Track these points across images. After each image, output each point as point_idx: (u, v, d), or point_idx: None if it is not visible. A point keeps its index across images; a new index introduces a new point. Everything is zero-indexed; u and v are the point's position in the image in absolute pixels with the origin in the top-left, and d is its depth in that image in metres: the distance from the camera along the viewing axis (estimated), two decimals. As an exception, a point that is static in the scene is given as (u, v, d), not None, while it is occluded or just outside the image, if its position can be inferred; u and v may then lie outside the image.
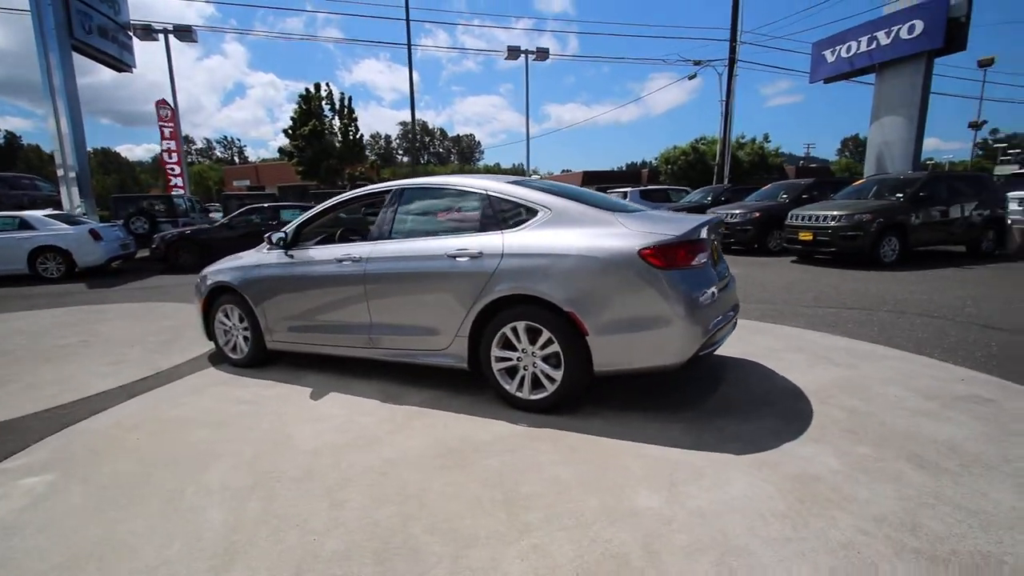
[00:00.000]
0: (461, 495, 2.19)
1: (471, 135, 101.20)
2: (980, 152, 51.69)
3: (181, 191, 18.43)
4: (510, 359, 3.04)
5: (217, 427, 2.99)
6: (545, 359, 2.94)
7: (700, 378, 3.50)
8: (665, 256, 2.68)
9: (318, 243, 4.10)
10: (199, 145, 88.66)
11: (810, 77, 23.90)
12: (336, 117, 29.58)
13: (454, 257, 3.10)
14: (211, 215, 20.16)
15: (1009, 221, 9.56)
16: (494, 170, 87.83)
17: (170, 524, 2.06)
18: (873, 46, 20.14)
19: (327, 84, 29.09)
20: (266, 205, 11.87)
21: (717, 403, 3.09)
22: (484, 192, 3.24)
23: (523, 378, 3.02)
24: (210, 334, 4.36)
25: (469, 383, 3.48)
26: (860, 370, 3.61)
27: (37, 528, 2.06)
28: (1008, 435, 2.60)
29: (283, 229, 3.95)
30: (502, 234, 3.04)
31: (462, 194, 3.40)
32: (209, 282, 4.23)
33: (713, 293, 2.82)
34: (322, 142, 28.45)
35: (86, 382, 3.84)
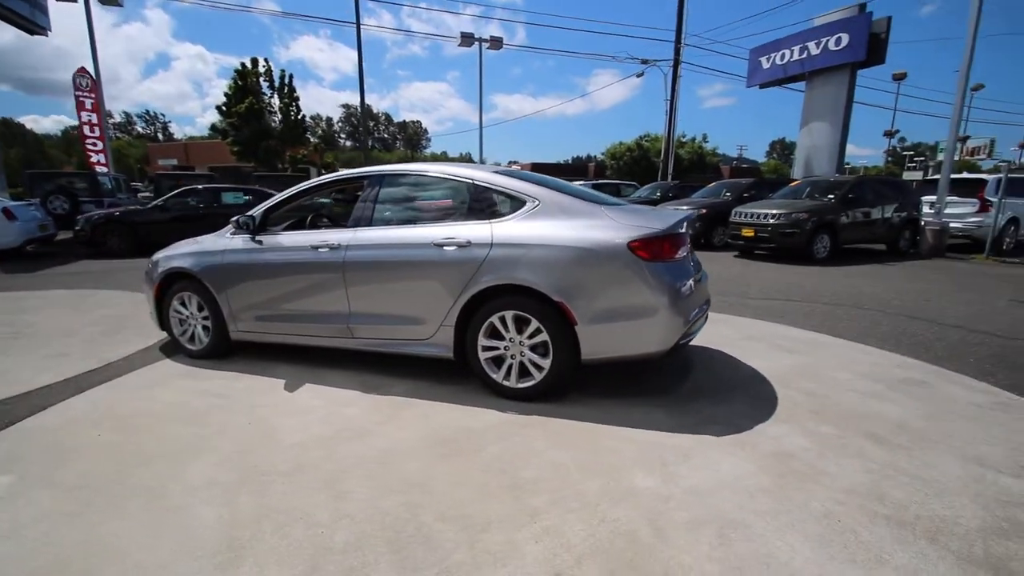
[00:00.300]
0: (466, 482, 2.21)
1: (417, 122, 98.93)
2: (890, 159, 56.51)
3: (104, 169, 16.86)
4: (497, 348, 3.07)
5: (189, 422, 2.83)
6: (532, 348, 3.00)
7: (672, 365, 3.68)
8: (651, 249, 2.79)
9: (287, 229, 3.94)
10: (117, 119, 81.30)
11: (747, 81, 25.29)
12: (275, 95, 28.01)
13: (441, 246, 3.08)
14: (140, 195, 18.61)
15: (923, 223, 10.58)
16: (441, 158, 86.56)
17: (158, 523, 1.95)
18: (804, 55, 21.53)
19: (265, 60, 27.43)
20: (204, 187, 11.10)
21: (691, 388, 3.27)
22: (470, 181, 3.23)
23: (510, 367, 3.06)
24: (163, 324, 4.08)
25: (450, 372, 3.48)
26: (812, 357, 3.93)
27: (3, 534, 1.89)
28: (945, 413, 2.93)
29: (249, 213, 3.75)
30: (489, 223, 3.05)
31: (446, 182, 3.37)
32: (163, 268, 3.95)
33: (691, 285, 2.97)
34: (260, 122, 26.89)
35: (24, 376, 3.50)
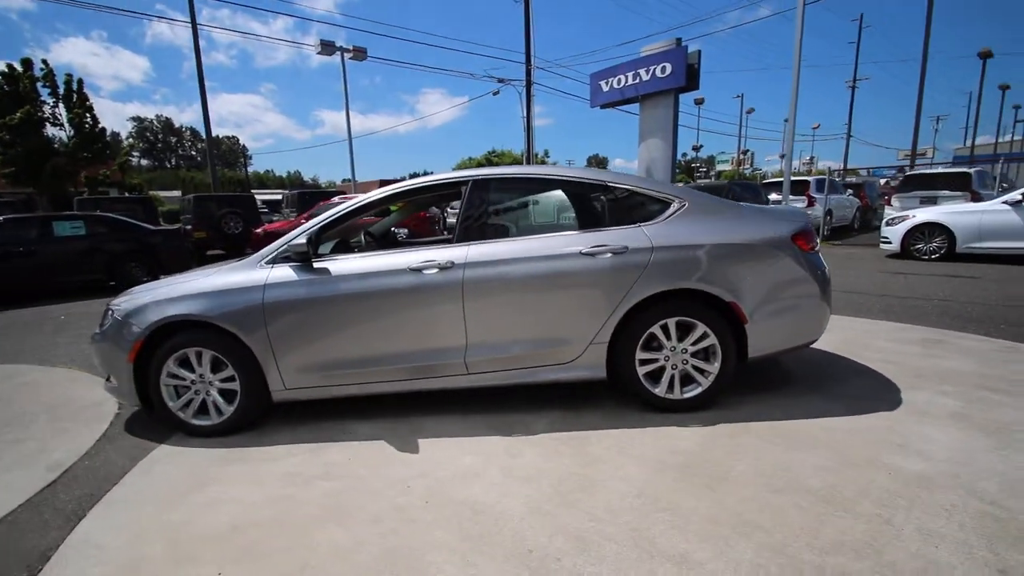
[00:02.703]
0: (769, 505, 1.96)
1: (233, 137, 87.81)
2: (678, 170, 67.39)
3: None
4: (655, 360, 2.83)
5: (333, 520, 2.03)
6: (695, 354, 2.83)
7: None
8: (807, 240, 2.86)
9: (336, 252, 3.13)
10: None
11: (590, 102, 27.93)
12: (60, 104, 22.35)
13: (591, 255, 2.74)
14: None
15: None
16: (267, 177, 78.46)
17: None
18: (637, 80, 24.51)
19: (44, 62, 21.74)
20: (25, 216, 8.32)
21: (786, 376, 3.42)
22: (602, 183, 2.93)
23: (671, 378, 2.84)
24: (146, 397, 2.92)
25: (576, 395, 3.11)
26: (852, 332, 4.41)
27: None
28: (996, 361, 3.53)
29: (293, 237, 2.88)
30: (641, 227, 2.81)
31: (569, 185, 3.01)
32: (150, 319, 2.82)
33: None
34: (41, 136, 21.20)
35: (-49, 515, 2.16)
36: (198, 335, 2.84)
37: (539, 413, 2.95)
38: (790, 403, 2.92)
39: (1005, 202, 8.07)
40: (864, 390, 3.08)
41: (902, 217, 9.26)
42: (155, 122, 78.55)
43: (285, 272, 2.83)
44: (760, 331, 2.80)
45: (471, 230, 2.86)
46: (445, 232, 14.72)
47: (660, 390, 2.84)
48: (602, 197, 2.97)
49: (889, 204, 12.86)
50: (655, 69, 24.48)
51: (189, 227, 11.92)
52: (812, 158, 54.11)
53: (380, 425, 2.90)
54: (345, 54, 17.58)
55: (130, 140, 69.30)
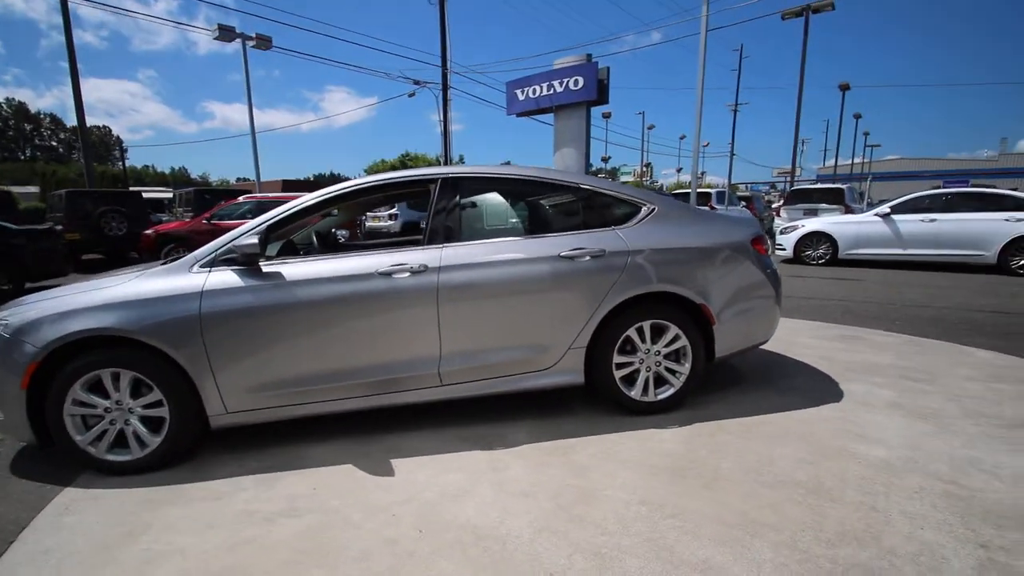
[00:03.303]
0: (768, 501, 2.00)
1: (106, 127, 77.62)
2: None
3: None
4: (631, 363, 2.83)
5: (308, 561, 1.76)
6: (667, 356, 2.87)
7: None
8: (763, 244, 3.02)
9: (283, 255, 2.79)
10: None
11: (507, 110, 28.25)
12: None
13: (570, 258, 2.68)
14: None
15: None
16: (146, 173, 70.61)
17: None
18: (552, 91, 25.26)
19: None
20: None
21: (740, 376, 3.62)
22: (577, 185, 2.88)
23: (646, 380, 2.86)
24: (43, 430, 2.40)
25: (553, 403, 3.03)
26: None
27: None
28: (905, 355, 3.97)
29: (234, 237, 2.52)
30: (615, 231, 2.80)
31: (544, 187, 2.93)
32: (49, 336, 2.31)
33: None
34: None
35: None
36: (114, 353, 2.37)
37: (514, 423, 2.83)
38: (750, 399, 3.07)
39: (877, 214, 9.31)
40: (809, 383, 3.32)
41: (793, 227, 10.35)
42: (5, 106, 67.45)
43: (227, 277, 2.46)
44: (726, 332, 2.91)
45: (440, 231, 2.68)
46: (366, 238, 14.09)
47: (635, 393, 2.85)
48: (576, 200, 2.93)
49: (778, 215, 14.35)
50: (568, 82, 25.43)
51: (60, 227, 10.26)
52: (703, 173, 59.30)
53: (342, 447, 2.62)
54: (247, 41, 16.20)
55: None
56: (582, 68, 24.89)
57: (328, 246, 3.38)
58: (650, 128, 41.96)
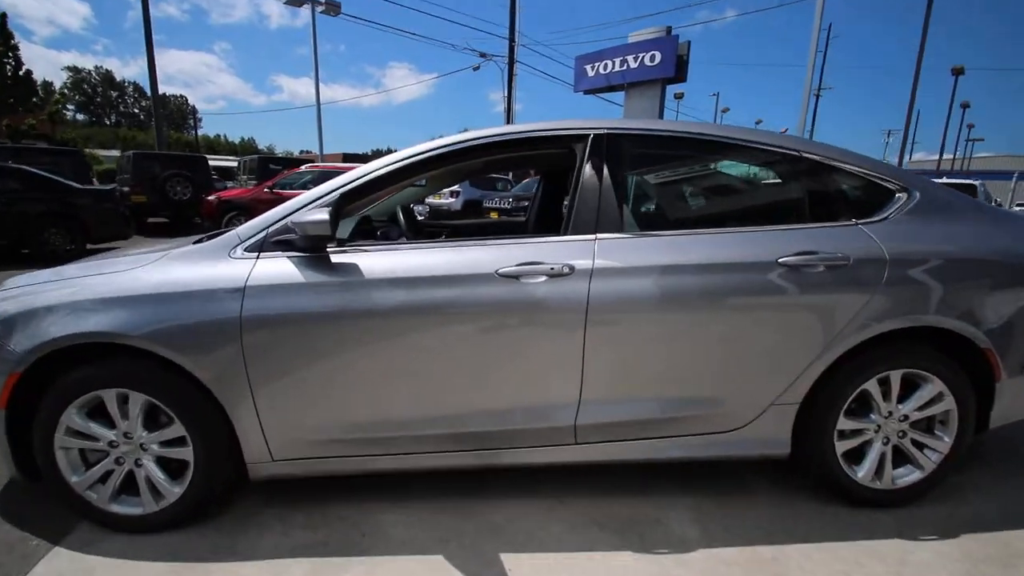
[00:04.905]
0: None
1: (182, 97, 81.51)
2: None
3: None
4: (861, 430, 1.86)
5: None
6: (915, 423, 1.88)
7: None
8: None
9: (375, 239, 1.99)
10: None
11: (574, 87, 26.85)
12: (-25, 40, 19.28)
13: (794, 267, 1.71)
14: None
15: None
16: (216, 143, 73.38)
17: None
18: (624, 67, 23.66)
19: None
20: None
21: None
22: (798, 153, 1.90)
23: (880, 457, 1.88)
24: (28, 463, 1.71)
25: (708, 470, 2.11)
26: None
27: None
28: None
29: (300, 207, 1.71)
30: (859, 227, 1.81)
31: (747, 154, 1.96)
32: (35, 339, 1.59)
33: None
34: (-51, 73, 18.23)
35: None
36: (121, 368, 1.65)
37: (670, 500, 1.94)
38: None
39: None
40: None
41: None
42: (94, 74, 71.78)
43: (282, 268, 1.66)
44: (1016, 390, 1.87)
45: (588, 217, 1.77)
46: (430, 219, 13.35)
47: (863, 474, 1.87)
48: (795, 176, 1.94)
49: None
50: (644, 57, 23.76)
51: (126, 189, 10.14)
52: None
53: (424, 516, 1.82)
54: (316, 7, 15.72)
55: (64, 91, 62.99)
56: (660, 42, 23.15)
57: (412, 228, 2.55)
58: (724, 111, 39.22)
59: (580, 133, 1.85)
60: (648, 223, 1.89)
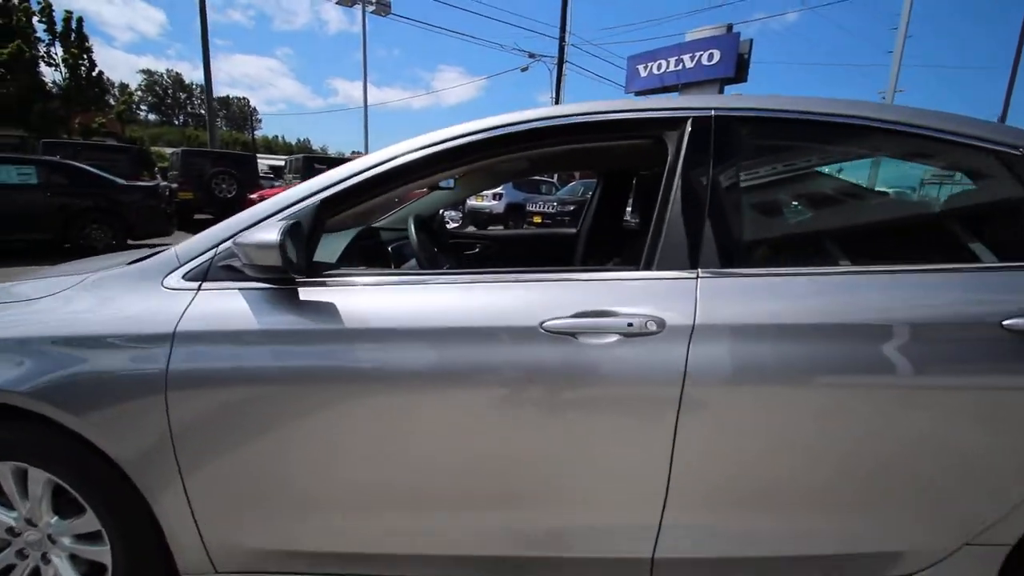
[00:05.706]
0: None
1: (244, 99, 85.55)
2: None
3: None
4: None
5: None
6: None
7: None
8: None
9: (371, 263, 1.46)
10: None
11: (625, 88, 25.93)
12: (56, 43, 20.49)
13: (1018, 332, 1.05)
14: None
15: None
16: (275, 144, 76.60)
17: None
18: (680, 67, 22.55)
19: (40, -5, 19.84)
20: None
21: None
22: (1001, 145, 1.21)
23: None
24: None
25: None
26: None
27: None
28: None
29: (247, 228, 1.19)
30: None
31: (935, 144, 1.26)
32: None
33: None
34: (33, 75, 19.40)
35: None
36: (10, 434, 1.18)
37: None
38: None
39: None
40: None
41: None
42: (165, 77, 76.51)
43: (229, 304, 1.15)
44: None
45: (685, 242, 1.16)
46: (467, 224, 12.74)
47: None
48: (995, 181, 1.26)
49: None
50: (701, 56, 22.63)
51: (175, 185, 10.21)
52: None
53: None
54: (367, 6, 15.67)
55: (138, 92, 67.18)
56: (720, 40, 21.96)
57: (434, 244, 1.98)
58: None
59: (673, 116, 1.23)
60: (782, 255, 1.26)
